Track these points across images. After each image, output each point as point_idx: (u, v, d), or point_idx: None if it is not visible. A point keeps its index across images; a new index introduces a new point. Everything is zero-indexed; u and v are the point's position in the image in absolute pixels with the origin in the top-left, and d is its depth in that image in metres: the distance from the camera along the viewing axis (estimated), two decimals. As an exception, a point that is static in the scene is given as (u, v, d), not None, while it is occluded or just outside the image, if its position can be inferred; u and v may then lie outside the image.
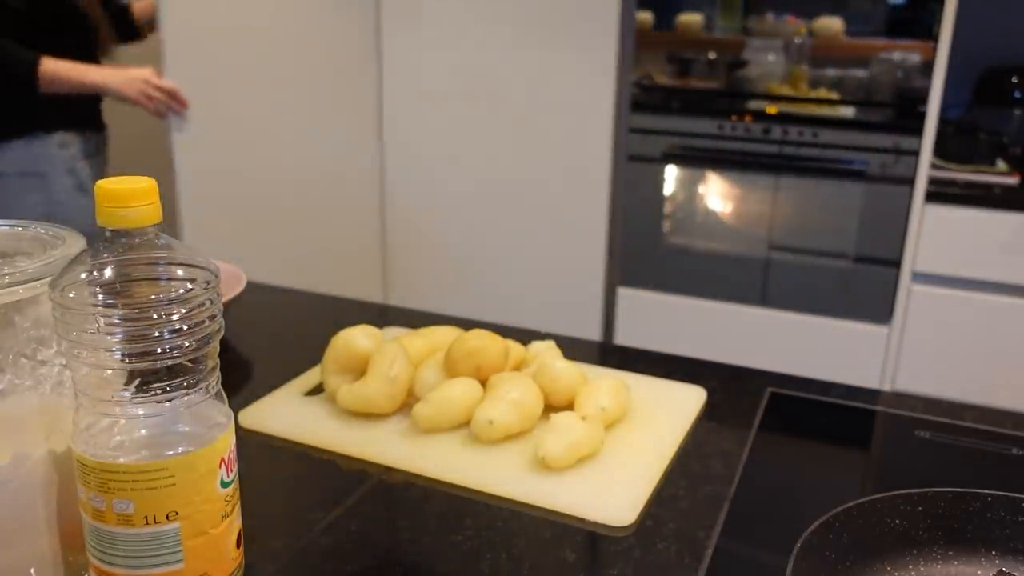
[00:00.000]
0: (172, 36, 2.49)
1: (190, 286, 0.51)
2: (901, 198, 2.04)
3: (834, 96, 2.08)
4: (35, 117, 1.88)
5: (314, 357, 0.90)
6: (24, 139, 1.87)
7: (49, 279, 0.51)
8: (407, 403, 0.82)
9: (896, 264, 2.08)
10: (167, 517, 0.51)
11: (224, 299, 0.65)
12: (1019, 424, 0.84)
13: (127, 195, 0.49)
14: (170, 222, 2.14)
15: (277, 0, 2.35)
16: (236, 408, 0.81)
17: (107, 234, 0.50)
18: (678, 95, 2.21)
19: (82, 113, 1.90)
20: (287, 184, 2.53)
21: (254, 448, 0.78)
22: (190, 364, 0.51)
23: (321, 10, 2.33)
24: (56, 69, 1.75)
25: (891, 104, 2.04)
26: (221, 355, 0.54)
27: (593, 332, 2.37)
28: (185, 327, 0.50)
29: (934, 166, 2.05)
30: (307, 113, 2.43)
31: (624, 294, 2.32)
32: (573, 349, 0.94)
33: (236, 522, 0.56)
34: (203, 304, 0.51)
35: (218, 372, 0.54)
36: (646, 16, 2.15)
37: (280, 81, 2.43)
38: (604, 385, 0.81)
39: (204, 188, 2.70)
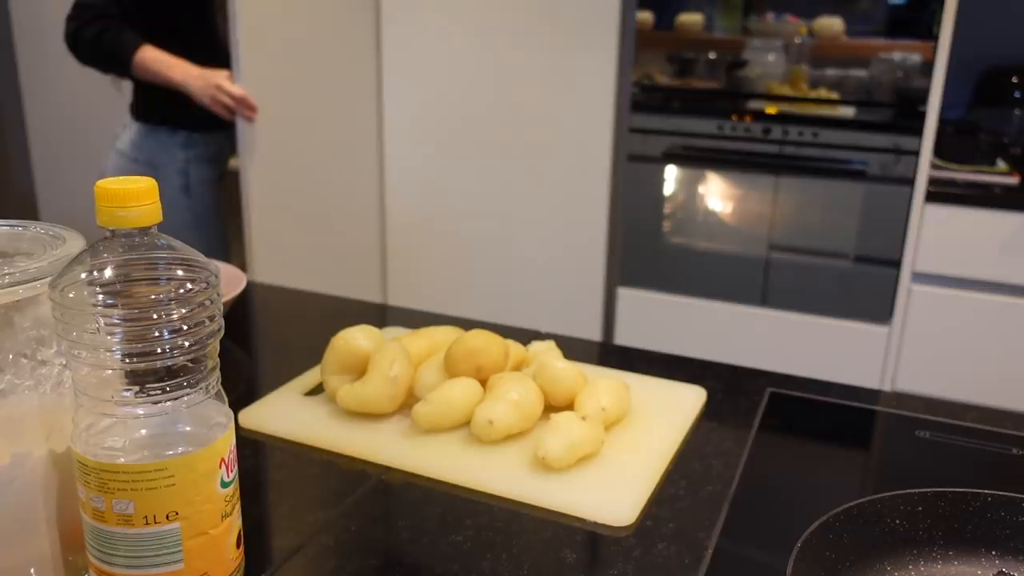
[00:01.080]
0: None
1: (190, 286, 0.51)
2: (901, 198, 2.04)
3: (834, 96, 2.08)
4: (166, 110, 1.92)
5: (314, 357, 0.90)
6: (150, 127, 1.93)
7: (49, 279, 0.51)
8: (407, 403, 0.82)
9: (896, 264, 2.08)
10: (167, 517, 0.51)
11: (224, 299, 0.65)
12: (1019, 424, 0.84)
13: (127, 195, 0.49)
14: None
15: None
16: (236, 408, 0.80)
17: (107, 234, 0.50)
18: (678, 95, 2.21)
19: (209, 115, 1.91)
20: (287, 184, 2.53)
21: (254, 448, 0.78)
22: (190, 364, 0.51)
23: (320, 9, 2.33)
24: (147, 58, 1.82)
25: (891, 104, 2.04)
26: (221, 355, 0.54)
27: (593, 332, 2.37)
28: (185, 327, 0.50)
29: (934, 166, 2.05)
30: (307, 113, 2.43)
31: (624, 294, 2.32)
32: (573, 349, 0.94)
33: (236, 522, 0.56)
34: (203, 304, 0.51)
35: (218, 372, 0.54)
36: (646, 16, 2.15)
37: (279, 80, 2.43)
38: (604, 385, 0.81)
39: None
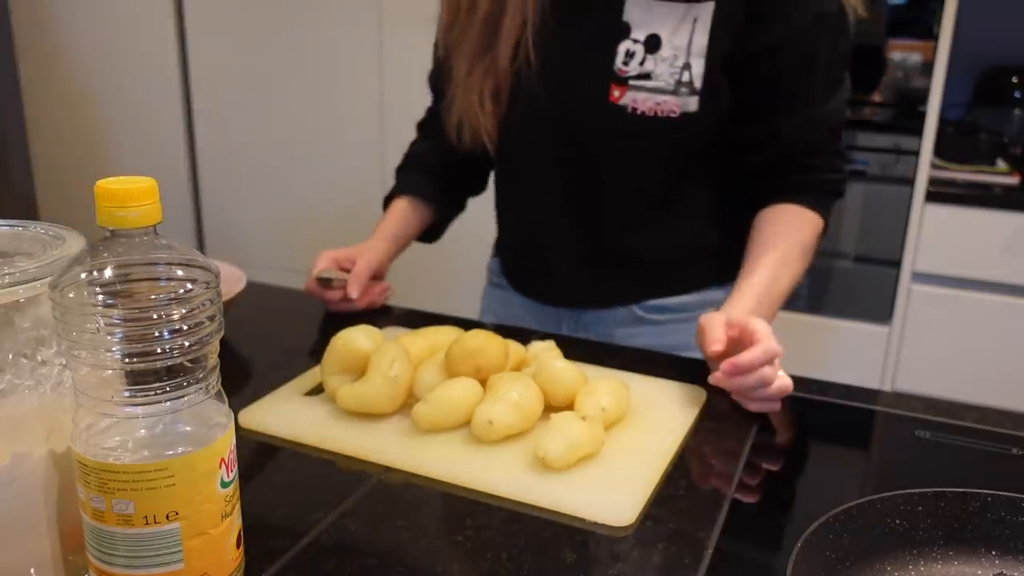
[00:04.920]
0: (195, 38, 2.50)
1: (190, 286, 0.51)
2: (901, 198, 2.04)
3: (834, 96, 2.08)
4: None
5: (314, 357, 0.90)
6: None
7: (49, 279, 0.51)
8: (407, 403, 0.82)
9: (896, 264, 2.08)
10: (167, 517, 0.51)
11: (224, 299, 0.65)
12: (1019, 424, 0.84)
13: (127, 195, 0.49)
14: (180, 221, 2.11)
15: (279, 1, 2.35)
16: (236, 408, 0.81)
17: (107, 234, 0.50)
18: (678, 95, 2.21)
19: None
20: (287, 184, 2.53)
21: (254, 448, 0.78)
22: (190, 364, 0.51)
23: (322, 10, 2.33)
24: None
25: (891, 104, 2.04)
26: (221, 355, 0.54)
27: (593, 332, 2.36)
28: (185, 327, 0.50)
29: (934, 166, 2.05)
30: (308, 113, 2.43)
31: (624, 294, 2.31)
32: (573, 349, 0.94)
33: (236, 522, 0.56)
34: (203, 304, 0.51)
35: (218, 372, 0.54)
36: (646, 16, 2.15)
37: (281, 81, 2.43)
38: (604, 385, 0.81)
39: (206, 188, 2.71)
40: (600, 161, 1.04)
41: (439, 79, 1.15)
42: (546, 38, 1.00)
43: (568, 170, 1.06)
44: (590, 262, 1.10)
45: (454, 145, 1.11)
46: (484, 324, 1.06)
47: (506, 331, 0.94)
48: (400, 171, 1.25)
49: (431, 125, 1.25)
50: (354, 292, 1.06)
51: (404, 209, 1.19)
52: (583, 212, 1.08)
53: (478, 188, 1.30)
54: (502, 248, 1.24)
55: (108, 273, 0.50)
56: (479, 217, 1.34)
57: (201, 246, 2.72)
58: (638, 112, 0.98)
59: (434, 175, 1.22)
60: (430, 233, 1.25)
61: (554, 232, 1.11)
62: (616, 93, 0.98)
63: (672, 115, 0.97)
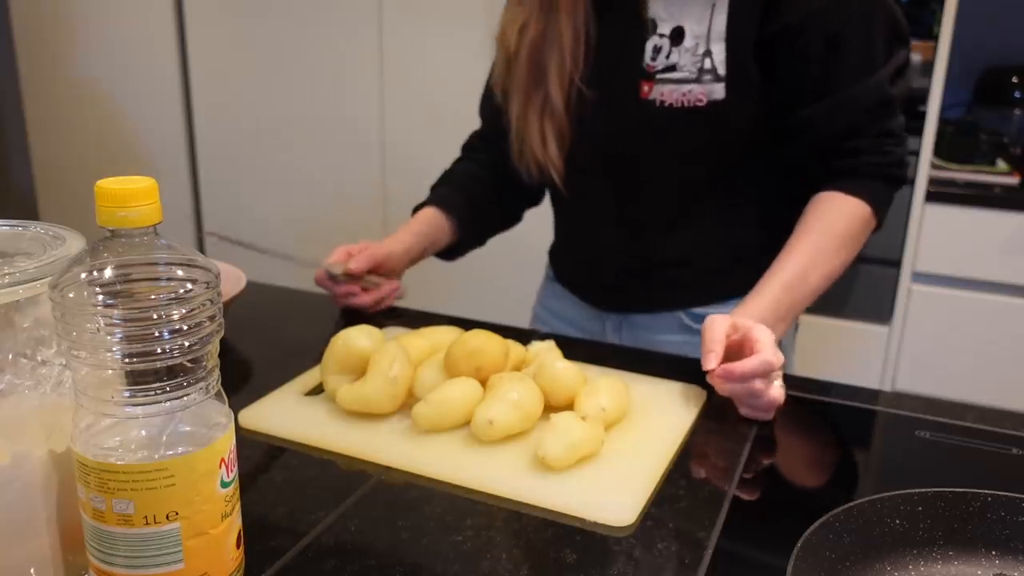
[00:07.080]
0: (195, 41, 2.50)
1: (190, 286, 0.51)
2: (901, 198, 2.04)
3: (834, 96, 2.08)
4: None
5: (314, 357, 0.90)
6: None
7: (49, 279, 0.51)
8: (407, 403, 0.82)
9: (896, 264, 2.08)
10: (167, 517, 0.51)
11: (224, 299, 0.65)
12: (1019, 424, 0.84)
13: (127, 195, 0.49)
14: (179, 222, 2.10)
15: (279, 0, 2.35)
16: (236, 408, 0.81)
17: (107, 234, 0.50)
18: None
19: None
20: (288, 184, 2.53)
21: (254, 448, 0.78)
22: (190, 364, 0.51)
23: (322, 10, 2.33)
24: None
25: (891, 104, 2.04)
26: (221, 355, 0.54)
27: (593, 332, 2.36)
28: (185, 327, 0.50)
29: (934, 166, 2.05)
30: (308, 113, 2.43)
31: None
32: (573, 349, 0.94)
33: (236, 522, 0.56)
34: (203, 304, 0.51)
35: (218, 372, 0.54)
36: (646, 16, 2.15)
37: (281, 81, 2.43)
38: (604, 385, 0.81)
39: (206, 188, 2.71)
40: (639, 161, 1.03)
41: (495, 112, 1.15)
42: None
43: (610, 172, 1.06)
44: (635, 266, 1.10)
45: (514, 170, 1.12)
46: (484, 324, 1.06)
47: (506, 331, 0.94)
48: (434, 187, 1.26)
49: (476, 148, 1.26)
50: (354, 264, 1.06)
51: (431, 215, 1.19)
52: (625, 214, 1.08)
53: (510, 222, 1.30)
54: (555, 249, 1.25)
55: (108, 273, 0.50)
56: (534, 224, 1.35)
57: (201, 246, 2.72)
58: (666, 104, 0.96)
59: (468, 193, 1.22)
60: (450, 251, 1.25)
61: (600, 236, 1.11)
62: (645, 88, 0.98)
63: (699, 104, 0.95)
